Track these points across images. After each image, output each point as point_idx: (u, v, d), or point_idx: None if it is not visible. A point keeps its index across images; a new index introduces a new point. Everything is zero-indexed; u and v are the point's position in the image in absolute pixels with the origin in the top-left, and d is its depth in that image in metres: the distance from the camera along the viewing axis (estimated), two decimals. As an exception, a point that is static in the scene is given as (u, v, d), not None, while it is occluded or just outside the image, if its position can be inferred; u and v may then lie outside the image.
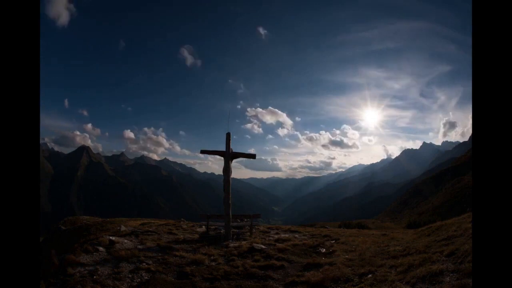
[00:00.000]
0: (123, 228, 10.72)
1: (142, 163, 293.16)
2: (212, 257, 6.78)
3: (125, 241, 8.29)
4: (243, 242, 8.45)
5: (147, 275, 5.51)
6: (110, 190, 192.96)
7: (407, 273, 4.64)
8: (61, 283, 4.90)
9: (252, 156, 10.03)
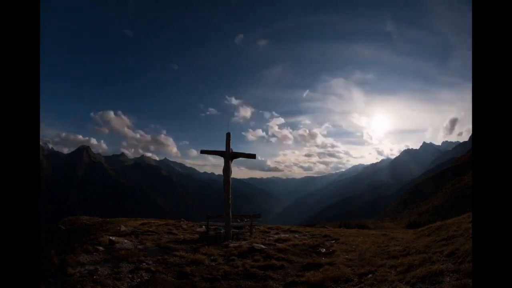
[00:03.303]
0: (123, 228, 10.73)
1: (142, 163, 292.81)
2: (212, 257, 6.78)
3: (125, 241, 8.29)
4: (243, 242, 8.45)
5: (147, 275, 5.51)
6: (110, 190, 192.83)
7: (407, 273, 4.64)
8: (61, 283, 4.91)
9: (252, 156, 10.03)
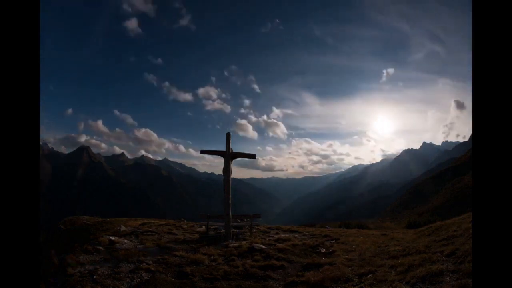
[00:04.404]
0: (123, 228, 10.73)
1: (142, 163, 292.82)
2: (212, 257, 6.78)
3: (125, 241, 8.30)
4: (243, 242, 8.45)
5: (147, 275, 5.51)
6: (110, 190, 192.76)
7: (407, 273, 4.64)
8: (61, 283, 4.91)
9: (252, 156, 10.03)
